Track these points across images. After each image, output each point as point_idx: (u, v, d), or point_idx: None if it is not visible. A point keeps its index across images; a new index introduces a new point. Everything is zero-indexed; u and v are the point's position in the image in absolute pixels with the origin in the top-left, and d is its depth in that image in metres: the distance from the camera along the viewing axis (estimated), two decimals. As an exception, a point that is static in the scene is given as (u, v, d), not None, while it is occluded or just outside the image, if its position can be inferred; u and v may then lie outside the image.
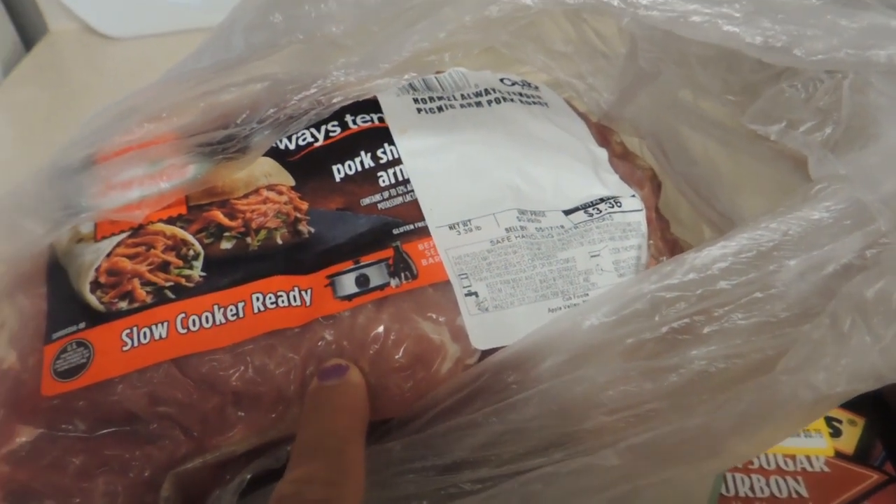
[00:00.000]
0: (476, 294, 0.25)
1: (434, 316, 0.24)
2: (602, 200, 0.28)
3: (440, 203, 0.27)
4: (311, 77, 0.26)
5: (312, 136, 0.29)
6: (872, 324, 0.19)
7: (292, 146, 0.29)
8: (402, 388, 0.24)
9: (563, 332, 0.22)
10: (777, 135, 0.24)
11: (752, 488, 0.29)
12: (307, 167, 0.28)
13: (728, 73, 0.26)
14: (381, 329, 0.24)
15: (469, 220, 0.26)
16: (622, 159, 0.32)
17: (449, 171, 0.28)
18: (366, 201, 0.27)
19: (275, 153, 0.29)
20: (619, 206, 0.28)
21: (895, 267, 0.20)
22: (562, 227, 0.27)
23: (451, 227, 0.26)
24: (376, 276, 0.25)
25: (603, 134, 0.33)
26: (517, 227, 0.26)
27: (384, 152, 0.28)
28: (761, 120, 0.24)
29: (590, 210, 0.28)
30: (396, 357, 0.24)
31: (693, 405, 0.20)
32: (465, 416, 0.22)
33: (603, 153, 0.30)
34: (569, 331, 0.22)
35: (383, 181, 0.28)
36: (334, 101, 0.26)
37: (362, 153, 0.28)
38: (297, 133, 0.29)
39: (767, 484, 0.29)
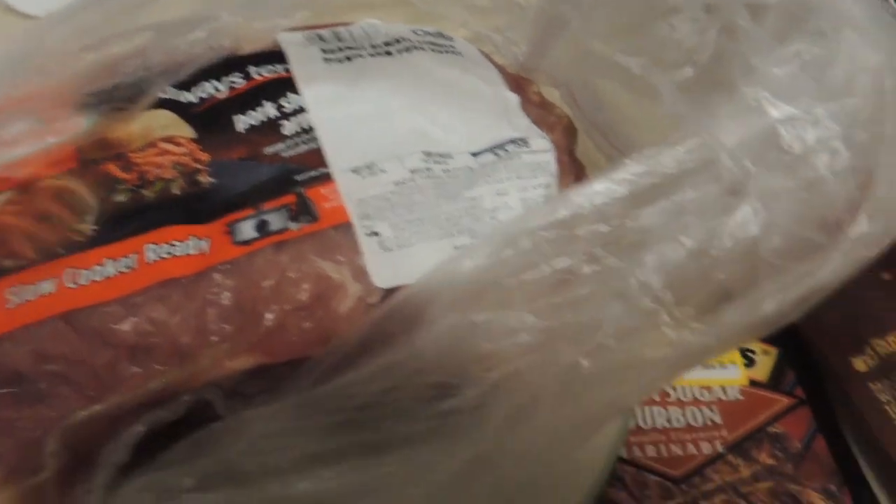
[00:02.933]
0: (378, 234, 0.24)
1: (334, 256, 0.24)
2: (511, 142, 0.28)
3: (344, 149, 0.26)
4: (200, 21, 0.25)
5: (215, 88, 0.28)
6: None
7: (194, 99, 0.28)
8: (301, 327, 0.23)
9: (449, 273, 0.21)
10: (639, 69, 0.24)
11: (668, 420, 0.30)
12: (209, 119, 0.28)
13: (618, 13, 0.26)
14: (278, 270, 0.23)
15: (373, 164, 0.26)
16: (538, 107, 0.32)
17: (354, 118, 0.28)
18: (269, 150, 0.27)
19: (175, 107, 0.28)
20: (528, 147, 0.28)
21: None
22: (469, 168, 0.27)
23: (355, 170, 0.26)
24: (276, 220, 0.24)
25: (520, 84, 0.33)
26: (422, 169, 0.26)
27: (288, 102, 0.28)
28: (629, 53, 0.24)
29: (498, 151, 0.27)
30: (295, 297, 0.23)
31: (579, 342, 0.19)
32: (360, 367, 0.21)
33: (515, 98, 0.30)
34: (452, 272, 0.21)
35: (287, 130, 0.27)
36: (225, 44, 0.25)
37: (266, 103, 0.28)
38: (198, 86, 0.28)
39: (683, 414, 0.30)
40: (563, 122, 0.32)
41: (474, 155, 0.27)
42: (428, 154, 0.26)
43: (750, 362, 0.32)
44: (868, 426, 0.29)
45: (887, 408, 0.28)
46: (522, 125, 0.29)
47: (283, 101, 0.28)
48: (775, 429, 0.29)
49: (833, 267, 0.19)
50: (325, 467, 0.20)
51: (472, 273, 0.20)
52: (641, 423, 0.29)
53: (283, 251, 0.24)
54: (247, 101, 0.28)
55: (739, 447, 0.29)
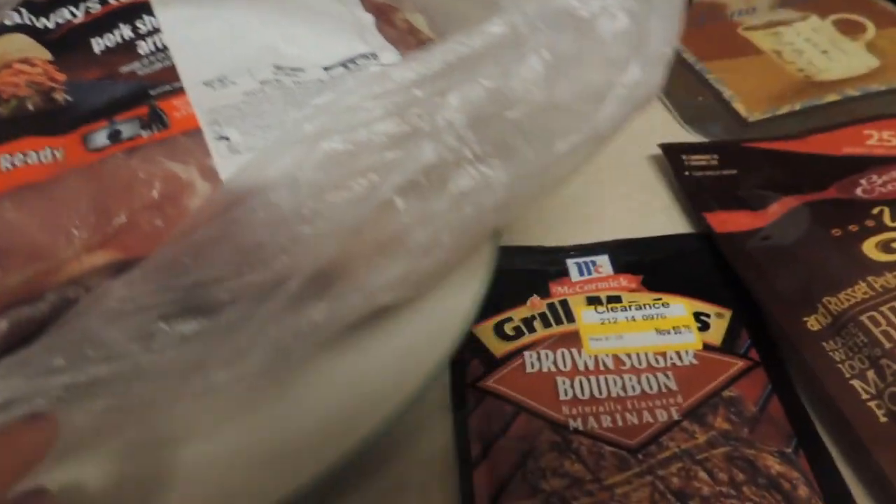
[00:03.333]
0: (228, 138, 0.26)
1: (184, 158, 0.25)
2: (361, 56, 0.30)
3: (197, 64, 0.28)
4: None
5: (72, 13, 0.30)
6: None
7: (51, 25, 0.29)
8: (153, 224, 0.24)
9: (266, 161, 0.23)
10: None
11: (623, 388, 0.29)
12: (66, 43, 0.29)
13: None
14: (130, 173, 0.25)
15: (225, 77, 0.28)
16: (402, 31, 0.34)
17: (208, 37, 0.29)
18: (125, 69, 0.28)
19: (33, 32, 0.29)
20: (377, 60, 0.30)
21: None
22: (320, 80, 0.29)
23: (207, 83, 0.27)
24: (128, 129, 0.26)
25: (381, 9, 0.35)
26: (272, 80, 0.28)
27: (144, 24, 0.29)
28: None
29: (348, 65, 0.29)
30: (146, 195, 0.25)
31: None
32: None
33: (369, 19, 0.32)
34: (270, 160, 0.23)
35: (143, 50, 0.29)
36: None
37: (122, 26, 0.29)
38: (55, 12, 0.29)
39: (639, 382, 0.29)
40: (424, 44, 0.34)
41: (326, 69, 0.29)
42: (279, 68, 0.28)
43: (704, 326, 0.31)
44: (822, 386, 0.28)
45: (840, 366, 0.28)
46: (376, 43, 0.31)
47: (138, 24, 0.29)
48: (730, 392, 0.28)
49: (613, 108, 0.22)
50: (168, 342, 0.22)
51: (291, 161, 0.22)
52: (596, 393, 0.29)
53: (135, 155, 0.25)
54: (103, 24, 0.29)
55: (695, 413, 0.28)
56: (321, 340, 0.24)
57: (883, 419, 0.27)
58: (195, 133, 0.26)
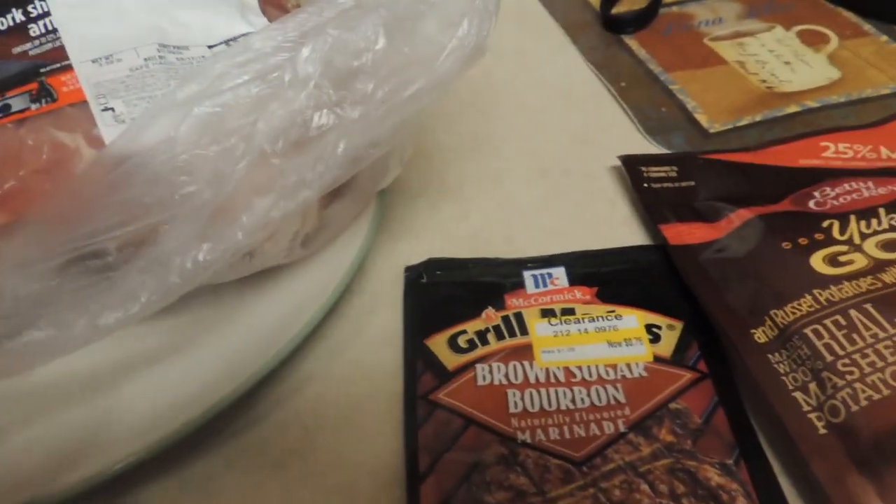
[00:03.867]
0: (113, 109, 0.28)
1: (71, 127, 0.28)
2: (242, 35, 0.31)
3: (85, 44, 0.29)
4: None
5: (-38, 1, 0.30)
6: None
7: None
8: (42, 188, 0.26)
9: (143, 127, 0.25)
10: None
11: (573, 400, 0.29)
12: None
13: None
14: (19, 141, 0.27)
15: (111, 55, 0.29)
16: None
17: (96, 18, 0.30)
18: (17, 50, 0.29)
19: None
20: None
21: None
22: (203, 56, 0.30)
23: (94, 61, 0.29)
24: (18, 103, 0.28)
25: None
26: (156, 57, 0.29)
27: (35, 7, 0.30)
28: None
29: (230, 42, 0.30)
30: (35, 162, 0.26)
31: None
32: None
33: (253, 1, 0.33)
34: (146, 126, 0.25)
35: (34, 32, 0.29)
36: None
37: (14, 10, 0.30)
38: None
39: (588, 394, 0.29)
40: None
41: (210, 47, 0.30)
42: (163, 46, 0.29)
43: (655, 338, 0.32)
44: (765, 398, 0.28)
45: (784, 378, 0.29)
46: (258, 22, 0.32)
47: (30, 7, 0.30)
48: (677, 405, 0.29)
49: (450, 60, 0.26)
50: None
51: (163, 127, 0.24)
52: (546, 406, 0.29)
53: (24, 126, 0.27)
54: (-4, 9, 0.30)
55: (641, 425, 0.28)
56: (208, 280, 0.27)
57: (822, 431, 0.28)
58: (81, 105, 0.28)
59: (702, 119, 0.45)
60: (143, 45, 0.29)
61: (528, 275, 0.35)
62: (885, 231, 0.34)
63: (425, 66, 0.26)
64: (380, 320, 0.34)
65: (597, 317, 0.33)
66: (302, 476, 0.28)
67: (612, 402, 0.29)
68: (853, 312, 0.30)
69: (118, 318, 0.23)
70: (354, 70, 0.25)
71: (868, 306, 0.30)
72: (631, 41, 0.54)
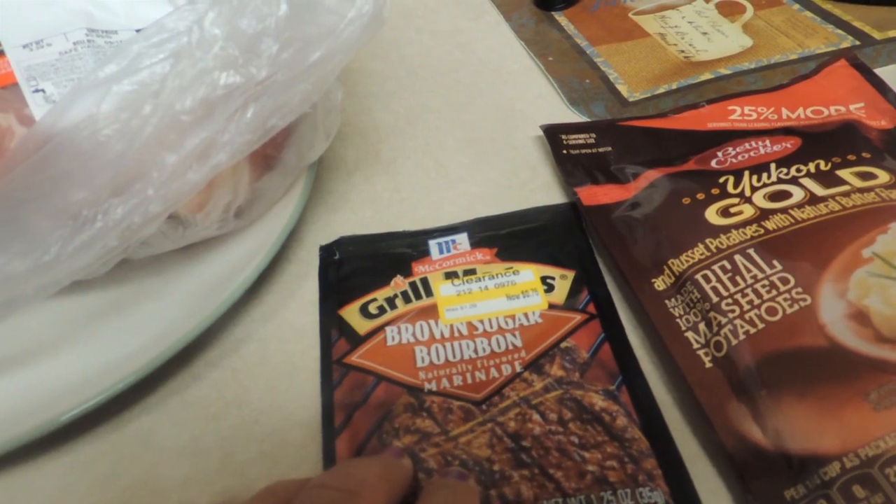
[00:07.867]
0: (43, 90, 0.30)
1: (3, 108, 0.29)
2: None
3: (16, 30, 0.31)
4: None
5: None
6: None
7: None
8: None
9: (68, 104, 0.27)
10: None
11: (475, 350, 0.32)
12: None
13: None
14: None
15: (41, 40, 0.30)
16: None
17: (27, 5, 0.31)
18: None
19: None
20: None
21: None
22: None
23: (25, 46, 0.30)
24: None
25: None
26: (84, 41, 0.30)
27: None
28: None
29: None
30: None
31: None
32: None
33: None
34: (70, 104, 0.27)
35: None
36: None
37: None
38: None
39: (489, 343, 0.32)
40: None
41: (138, 31, 0.32)
42: (92, 30, 0.31)
43: (550, 288, 0.34)
44: (661, 339, 0.31)
45: (678, 321, 0.31)
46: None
47: None
48: (567, 343, 0.31)
49: (350, 28, 0.29)
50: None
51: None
52: (451, 358, 0.31)
53: None
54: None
55: (535, 364, 0.31)
56: (145, 251, 0.32)
57: (709, 365, 0.31)
58: (13, 87, 0.29)
59: (622, 89, 0.48)
60: (72, 30, 0.31)
61: (433, 243, 0.38)
62: (773, 183, 0.36)
63: (327, 33, 0.28)
64: (311, 285, 0.36)
65: (496, 274, 0.35)
66: (237, 425, 0.31)
67: (511, 347, 0.32)
68: (738, 257, 0.33)
69: (28, 266, 0.25)
70: (259, 32, 0.27)
71: (751, 251, 0.33)
72: (560, 18, 0.56)
